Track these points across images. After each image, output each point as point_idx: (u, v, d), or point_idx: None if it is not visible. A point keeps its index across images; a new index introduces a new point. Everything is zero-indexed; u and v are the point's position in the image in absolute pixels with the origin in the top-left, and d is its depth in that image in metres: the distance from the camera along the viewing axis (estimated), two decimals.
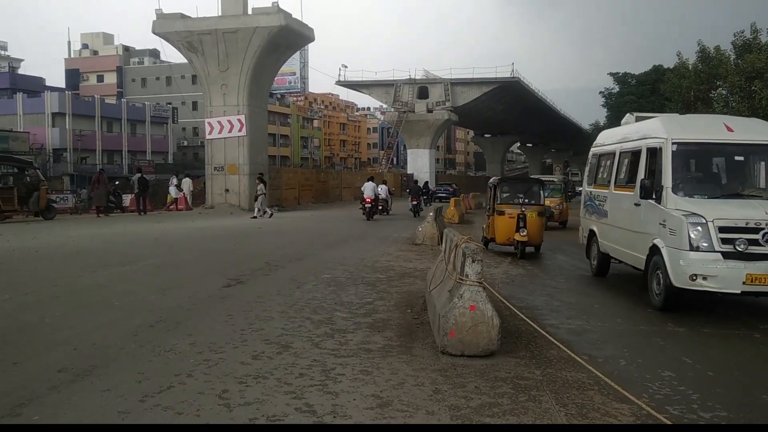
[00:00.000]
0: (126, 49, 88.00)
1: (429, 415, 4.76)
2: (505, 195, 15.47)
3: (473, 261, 6.28)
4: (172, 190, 31.16)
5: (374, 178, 30.11)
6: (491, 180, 16.48)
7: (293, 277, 10.98)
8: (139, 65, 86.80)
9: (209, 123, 31.40)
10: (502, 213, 14.67)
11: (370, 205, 26.09)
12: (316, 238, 18.79)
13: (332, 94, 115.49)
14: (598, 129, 74.67)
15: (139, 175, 29.56)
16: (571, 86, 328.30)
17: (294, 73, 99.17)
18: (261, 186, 26.46)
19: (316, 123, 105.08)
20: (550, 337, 6.98)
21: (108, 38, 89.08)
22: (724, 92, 34.58)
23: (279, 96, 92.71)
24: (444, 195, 46.46)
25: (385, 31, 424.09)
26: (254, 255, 13.94)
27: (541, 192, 15.53)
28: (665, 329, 7.95)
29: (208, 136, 31.82)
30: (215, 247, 15.66)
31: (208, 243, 16.56)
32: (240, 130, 30.69)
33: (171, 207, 31.02)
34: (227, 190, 30.68)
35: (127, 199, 31.34)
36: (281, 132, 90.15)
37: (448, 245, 8.44)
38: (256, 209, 26.14)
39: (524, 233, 14.13)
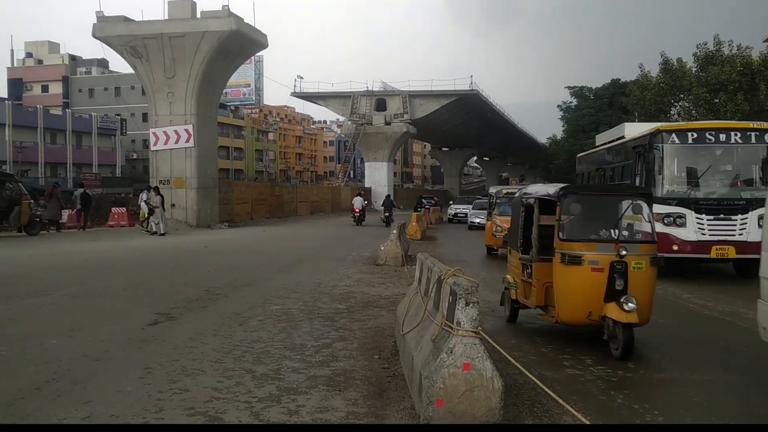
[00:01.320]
0: (73, 58, 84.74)
1: None
2: (574, 221, 7.68)
3: (467, 304, 4.71)
4: (143, 206, 28.00)
5: (362, 193, 37.56)
6: (532, 189, 8.95)
7: (236, 310, 9.25)
8: (86, 75, 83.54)
9: (154, 133, 29.30)
10: (576, 260, 7.09)
11: (358, 214, 33.31)
12: (267, 258, 17.03)
13: (288, 107, 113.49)
14: (555, 143, 74.72)
15: (81, 190, 27.43)
16: (526, 101, 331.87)
17: (248, 85, 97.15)
18: (157, 198, 24.32)
19: (271, 136, 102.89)
20: (558, 398, 5.39)
21: (54, 47, 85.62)
22: (687, 104, 34.03)
23: (233, 108, 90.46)
24: (429, 207, 46.45)
25: (341, 44, 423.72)
26: (194, 281, 12.15)
27: (651, 215, 7.68)
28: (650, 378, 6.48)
29: (153, 147, 29.72)
30: (151, 270, 13.78)
31: (143, 266, 14.64)
32: (187, 141, 28.67)
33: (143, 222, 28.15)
34: (173, 205, 28.56)
35: (65, 214, 29.06)
36: (235, 145, 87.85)
37: (425, 275, 6.86)
38: (152, 224, 24.09)
39: (631, 305, 6.77)
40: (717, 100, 31.61)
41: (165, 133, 28.92)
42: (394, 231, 16.48)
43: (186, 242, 21.20)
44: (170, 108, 28.93)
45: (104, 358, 6.59)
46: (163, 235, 23.61)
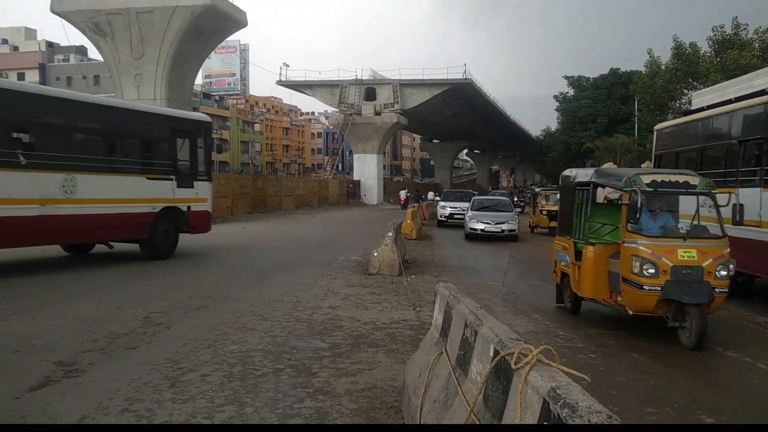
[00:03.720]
0: (50, 45, 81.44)
1: None
2: None
3: None
4: None
5: (407, 188, 53.78)
6: None
7: (174, 355, 6.53)
8: (64, 63, 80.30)
9: None
10: None
11: (403, 202, 46.47)
12: (237, 265, 14.29)
13: (274, 97, 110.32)
14: (549, 135, 72.18)
15: None
16: (518, 95, 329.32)
17: (234, 74, 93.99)
18: None
19: (257, 127, 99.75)
20: None
21: (30, 33, 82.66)
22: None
23: (218, 98, 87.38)
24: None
25: (329, 32, 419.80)
26: (134, 301, 9.40)
27: None
28: None
29: None
30: (83, 285, 10.91)
31: (75, 279, 11.72)
32: None
33: None
34: None
35: None
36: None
37: (458, 331, 4.15)
38: None
39: None
40: None
41: None
42: (390, 233, 13.75)
43: None
44: (138, 92, 26.09)
45: None
46: None
